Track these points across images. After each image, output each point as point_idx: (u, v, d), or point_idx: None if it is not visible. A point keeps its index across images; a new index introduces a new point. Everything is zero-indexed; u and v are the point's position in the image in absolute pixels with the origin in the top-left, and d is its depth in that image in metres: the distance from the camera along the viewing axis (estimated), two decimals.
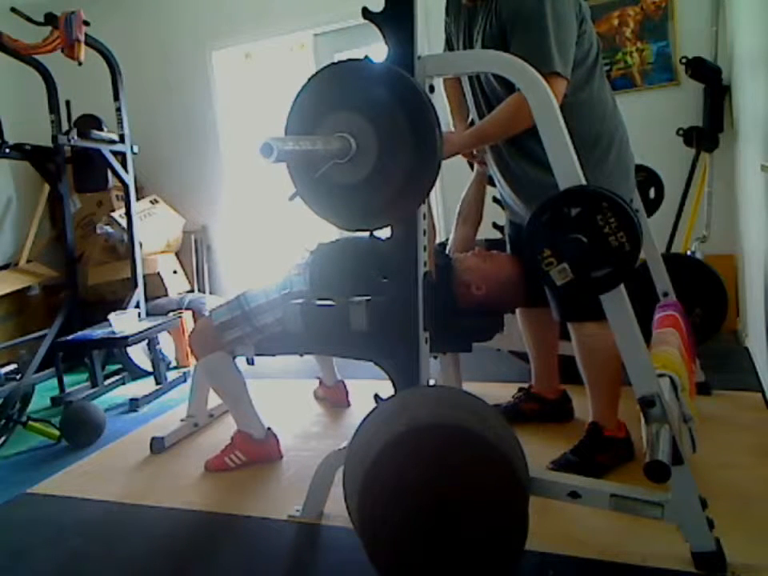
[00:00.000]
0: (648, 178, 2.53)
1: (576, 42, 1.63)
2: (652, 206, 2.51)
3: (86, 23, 2.90)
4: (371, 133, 1.35)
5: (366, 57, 1.39)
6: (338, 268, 2.03)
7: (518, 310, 2.22)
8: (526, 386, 2.36)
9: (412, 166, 1.34)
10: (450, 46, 1.90)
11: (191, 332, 2.23)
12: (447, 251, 2.12)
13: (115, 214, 3.88)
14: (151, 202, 4.22)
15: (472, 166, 2.25)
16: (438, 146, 1.33)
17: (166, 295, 4.00)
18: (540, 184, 1.63)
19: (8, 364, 3.35)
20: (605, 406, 1.88)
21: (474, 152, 2.15)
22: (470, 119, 2.05)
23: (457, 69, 1.63)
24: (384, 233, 1.53)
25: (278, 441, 2.20)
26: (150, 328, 2.93)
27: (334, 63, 1.42)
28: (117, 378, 3.32)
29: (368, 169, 1.36)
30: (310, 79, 1.43)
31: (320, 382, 2.80)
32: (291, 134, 1.46)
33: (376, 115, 1.34)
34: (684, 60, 3.09)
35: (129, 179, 3.35)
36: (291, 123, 1.46)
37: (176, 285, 4.14)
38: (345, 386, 2.72)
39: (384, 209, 1.41)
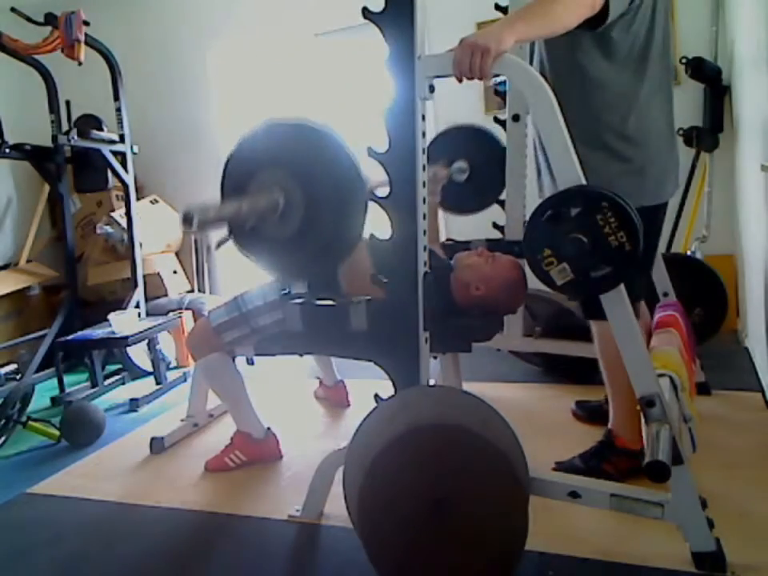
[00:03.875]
0: None
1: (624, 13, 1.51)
2: None
3: (86, 23, 2.90)
4: (298, 190, 1.44)
5: (301, 120, 1.48)
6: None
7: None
8: None
9: (338, 220, 1.45)
10: None
11: (189, 333, 2.23)
12: None
13: (115, 214, 3.88)
14: (151, 202, 4.22)
15: None
16: (364, 203, 1.44)
17: (166, 295, 3.99)
18: (599, 173, 1.54)
19: (8, 364, 3.36)
20: (624, 414, 1.79)
21: None
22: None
23: None
24: (384, 233, 1.53)
25: (277, 440, 2.20)
26: (150, 328, 2.93)
27: (266, 122, 1.51)
28: (117, 377, 3.31)
29: (296, 224, 1.46)
30: (243, 138, 1.54)
31: (320, 382, 2.80)
32: (227, 188, 1.57)
33: (302, 173, 1.44)
34: (684, 60, 3.09)
35: (129, 179, 3.35)
36: (227, 179, 1.57)
37: (176, 285, 4.14)
38: (345, 386, 2.72)
39: (314, 261, 1.51)
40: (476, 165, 2.57)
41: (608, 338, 1.68)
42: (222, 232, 1.54)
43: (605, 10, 1.45)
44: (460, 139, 2.64)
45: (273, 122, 1.52)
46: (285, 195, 1.44)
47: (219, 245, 1.59)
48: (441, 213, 2.57)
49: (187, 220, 1.21)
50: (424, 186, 1.49)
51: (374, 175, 1.50)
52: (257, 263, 1.61)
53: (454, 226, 3.32)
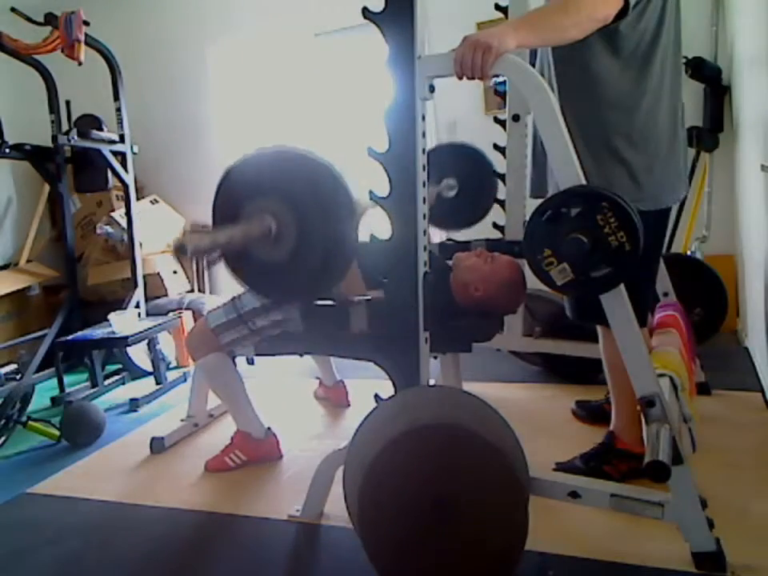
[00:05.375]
0: None
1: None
2: None
3: (86, 23, 2.90)
4: (289, 215, 1.49)
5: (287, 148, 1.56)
6: None
7: None
8: None
9: (329, 243, 1.50)
10: None
11: (188, 333, 2.23)
12: None
13: (115, 214, 3.88)
14: (151, 202, 4.22)
15: None
16: (354, 225, 1.51)
17: (166, 295, 3.99)
18: (598, 174, 1.54)
19: (8, 364, 3.35)
20: (625, 417, 1.79)
21: None
22: None
23: None
24: (384, 233, 1.53)
25: (277, 440, 2.20)
26: (150, 328, 2.93)
27: (256, 151, 1.58)
28: (117, 378, 3.31)
29: (290, 247, 1.51)
30: (233, 166, 1.60)
31: (320, 382, 2.80)
32: (218, 216, 1.62)
33: (292, 199, 1.49)
34: (684, 60, 3.09)
35: (129, 179, 3.35)
36: (218, 207, 1.62)
37: (176, 285, 4.14)
38: (345, 386, 2.72)
39: (309, 282, 1.56)
40: (465, 182, 2.63)
41: (612, 340, 1.68)
42: (214, 257, 1.59)
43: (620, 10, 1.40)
44: (448, 156, 2.68)
45: (260, 151, 1.58)
46: (276, 221, 1.50)
47: (210, 265, 1.66)
48: None
49: (181, 250, 1.26)
50: (424, 185, 1.49)
51: (363, 198, 1.54)
52: (249, 288, 1.67)
53: None
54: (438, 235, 2.95)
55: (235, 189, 1.57)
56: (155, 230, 4.05)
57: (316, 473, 1.73)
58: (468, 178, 2.62)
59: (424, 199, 1.50)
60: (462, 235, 2.63)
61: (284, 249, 1.51)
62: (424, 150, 1.48)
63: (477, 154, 2.64)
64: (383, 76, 1.45)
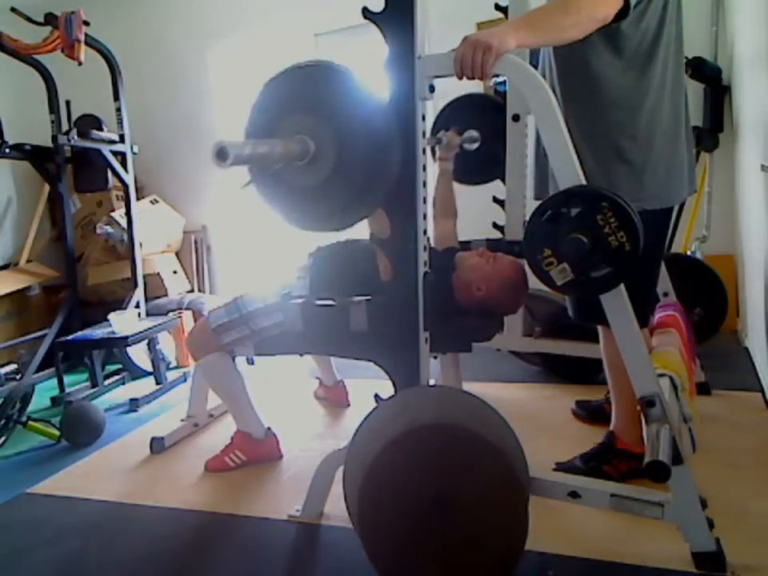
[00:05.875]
0: None
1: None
2: None
3: (86, 23, 2.90)
4: (330, 134, 1.36)
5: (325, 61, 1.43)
6: (337, 270, 2.04)
7: None
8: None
9: (370, 167, 1.36)
10: None
11: (189, 333, 2.23)
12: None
13: (115, 214, 3.88)
14: (151, 202, 4.22)
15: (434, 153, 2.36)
16: (395, 149, 1.38)
17: (166, 295, 4.00)
18: (600, 173, 1.53)
19: (8, 364, 3.35)
20: (626, 417, 1.78)
21: (438, 153, 2.26)
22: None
23: None
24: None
25: (277, 440, 2.20)
26: (150, 328, 2.93)
27: (293, 66, 1.45)
28: (117, 378, 3.31)
29: (327, 171, 1.37)
30: (269, 81, 1.47)
31: (320, 382, 2.80)
32: (251, 136, 1.48)
33: (334, 117, 1.36)
34: (684, 60, 3.09)
35: (129, 179, 3.35)
36: (251, 124, 1.49)
37: (176, 285, 4.14)
38: (345, 386, 2.72)
39: (344, 210, 1.42)
40: (486, 134, 2.50)
41: (612, 340, 1.67)
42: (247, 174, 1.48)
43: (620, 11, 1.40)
44: (470, 108, 2.62)
45: (296, 65, 1.46)
46: (315, 140, 1.37)
47: (246, 185, 1.52)
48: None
49: (222, 155, 1.16)
50: (424, 185, 1.49)
51: None
52: (279, 211, 1.52)
53: None
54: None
55: (269, 107, 1.47)
56: (155, 230, 4.06)
57: (316, 473, 1.73)
58: (489, 130, 2.51)
59: (424, 199, 1.50)
60: (462, 235, 2.63)
61: (321, 171, 1.39)
62: (424, 150, 1.48)
63: (497, 106, 2.55)
64: (383, 76, 1.45)
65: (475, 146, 2.48)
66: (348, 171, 1.37)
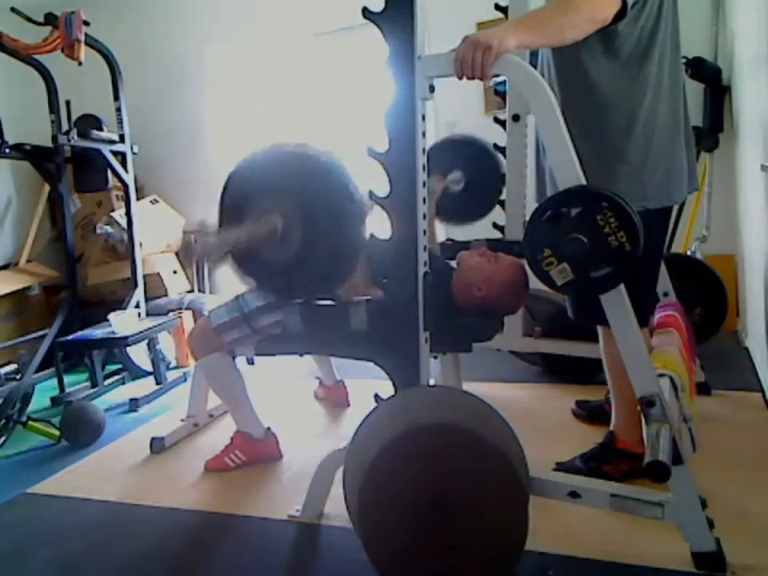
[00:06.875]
0: None
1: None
2: None
3: (86, 23, 2.90)
4: (296, 214, 1.50)
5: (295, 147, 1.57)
6: None
7: None
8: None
9: (337, 242, 1.51)
10: None
11: (190, 332, 2.23)
12: None
13: (115, 214, 3.88)
14: (151, 202, 4.22)
15: None
16: (361, 224, 1.52)
17: (166, 295, 3.99)
18: (600, 173, 1.51)
19: (8, 364, 3.35)
20: (626, 417, 1.78)
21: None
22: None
23: None
24: (384, 233, 1.53)
25: (277, 440, 2.20)
26: (150, 328, 2.93)
27: (261, 150, 1.59)
28: (117, 378, 3.31)
29: (296, 246, 1.51)
30: (238, 167, 1.61)
31: (320, 382, 2.80)
32: (225, 216, 1.64)
33: (300, 197, 1.50)
34: (684, 60, 3.09)
35: (129, 179, 3.35)
36: (225, 207, 1.63)
37: (176, 285, 4.14)
38: (345, 386, 2.72)
39: (315, 283, 1.58)
40: (471, 176, 2.60)
41: (612, 340, 1.67)
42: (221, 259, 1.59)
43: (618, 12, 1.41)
44: (454, 150, 2.65)
45: (265, 150, 1.58)
46: (283, 220, 1.50)
47: (216, 267, 1.68)
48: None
49: (188, 253, 1.29)
50: (424, 185, 1.49)
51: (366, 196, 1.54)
52: (256, 287, 1.67)
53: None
54: (443, 232, 2.93)
55: (241, 189, 1.57)
56: (155, 229, 4.05)
57: (316, 473, 1.73)
58: (474, 171, 2.59)
59: (424, 199, 1.50)
60: (462, 235, 2.63)
61: (291, 248, 1.50)
62: (424, 150, 1.48)
63: (484, 149, 2.62)
64: (383, 76, 1.45)
65: (460, 187, 2.53)
66: (315, 247, 1.52)
